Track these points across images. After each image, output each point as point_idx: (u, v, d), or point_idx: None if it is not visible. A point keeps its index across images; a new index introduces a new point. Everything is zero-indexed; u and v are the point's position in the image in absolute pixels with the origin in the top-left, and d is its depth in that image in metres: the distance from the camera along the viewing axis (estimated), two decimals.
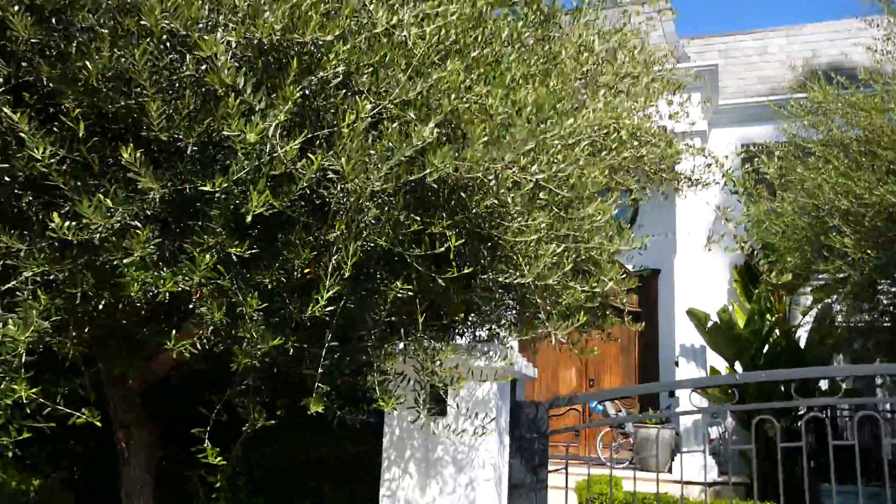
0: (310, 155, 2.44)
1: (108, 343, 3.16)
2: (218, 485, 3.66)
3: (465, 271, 2.81)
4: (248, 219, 2.31)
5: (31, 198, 3.07)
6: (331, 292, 2.56)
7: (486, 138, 2.49)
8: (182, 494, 3.93)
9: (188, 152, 2.78)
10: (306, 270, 3.11)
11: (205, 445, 2.94)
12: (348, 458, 4.14)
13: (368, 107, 2.47)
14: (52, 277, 2.84)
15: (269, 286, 2.88)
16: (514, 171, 2.64)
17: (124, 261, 2.50)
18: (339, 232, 2.64)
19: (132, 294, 2.52)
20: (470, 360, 3.45)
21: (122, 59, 2.66)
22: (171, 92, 2.78)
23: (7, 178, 2.83)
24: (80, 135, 2.47)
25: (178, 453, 3.76)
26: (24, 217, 3.23)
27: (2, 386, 2.59)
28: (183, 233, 2.96)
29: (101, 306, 2.84)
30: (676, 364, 10.58)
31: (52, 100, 3.00)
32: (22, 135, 2.66)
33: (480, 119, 2.49)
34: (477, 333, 4.05)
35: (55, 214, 2.32)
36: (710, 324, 9.88)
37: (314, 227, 2.95)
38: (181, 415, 3.73)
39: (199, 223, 2.89)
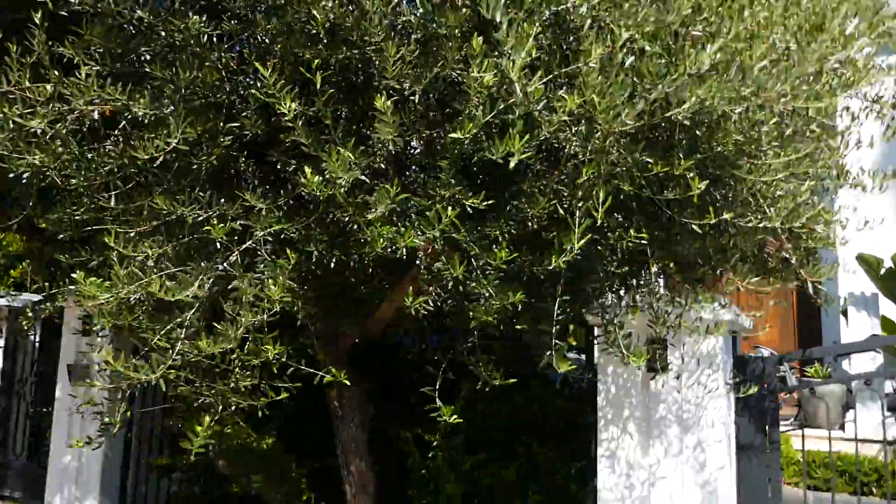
0: (563, 95, 2.23)
1: (337, 302, 3.12)
2: (435, 443, 3.62)
3: (725, 216, 2.54)
4: (512, 164, 2.15)
5: (244, 157, 3.04)
6: (582, 241, 2.37)
7: (763, 63, 2.20)
8: (397, 453, 3.92)
9: (416, 100, 2.65)
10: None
11: (436, 405, 2.86)
12: (559, 415, 4.00)
13: (625, 35, 2.23)
14: (283, 237, 2.80)
15: (501, 238, 2.74)
16: (784, 102, 2.34)
17: (369, 216, 2.40)
18: (587, 177, 2.43)
19: (377, 250, 2.42)
20: (694, 312, 3.20)
21: (344, 6, 2.55)
22: (393, 38, 2.64)
23: (223, 139, 2.77)
24: (317, 87, 2.37)
25: (398, 412, 3.75)
26: (242, 178, 3.21)
27: (248, 346, 2.58)
28: (405, 185, 2.85)
29: (332, 264, 2.78)
30: (844, 314, 9.84)
31: (268, 55, 2.93)
32: (254, 91, 2.60)
33: (760, 42, 2.20)
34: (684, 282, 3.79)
35: (308, 170, 2.22)
36: (883, 270, 9.11)
37: (545, 173, 2.77)
38: (395, 373, 3.71)
39: (425, 174, 2.77)
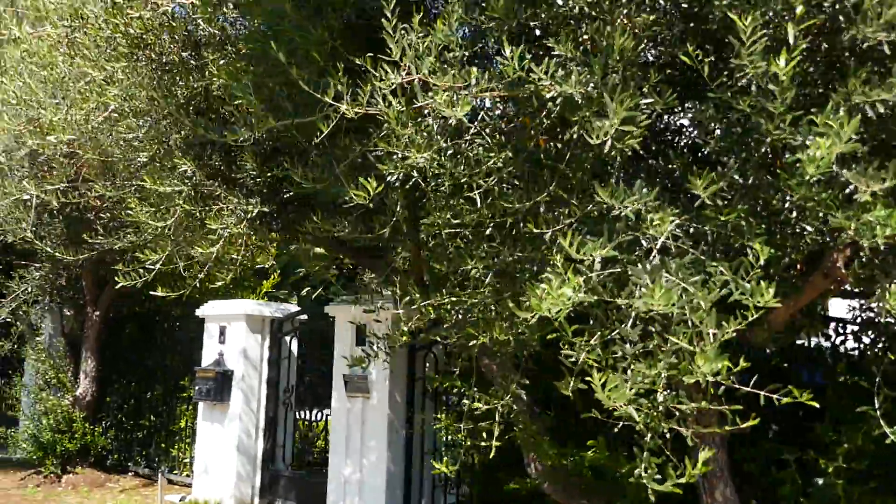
0: None
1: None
2: (830, 470, 3.10)
3: None
4: None
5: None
6: None
7: None
8: (743, 477, 3.38)
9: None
10: None
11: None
12: None
13: None
14: (692, 231, 2.39)
15: None
16: None
17: (862, 198, 1.93)
18: None
19: (869, 242, 1.95)
20: None
21: None
22: None
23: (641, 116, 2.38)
24: (791, 43, 1.92)
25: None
26: (606, 172, 2.84)
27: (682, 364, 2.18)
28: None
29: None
30: None
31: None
32: (682, 54, 2.21)
33: None
34: None
35: (824, 143, 1.77)
36: None
37: None
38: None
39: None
